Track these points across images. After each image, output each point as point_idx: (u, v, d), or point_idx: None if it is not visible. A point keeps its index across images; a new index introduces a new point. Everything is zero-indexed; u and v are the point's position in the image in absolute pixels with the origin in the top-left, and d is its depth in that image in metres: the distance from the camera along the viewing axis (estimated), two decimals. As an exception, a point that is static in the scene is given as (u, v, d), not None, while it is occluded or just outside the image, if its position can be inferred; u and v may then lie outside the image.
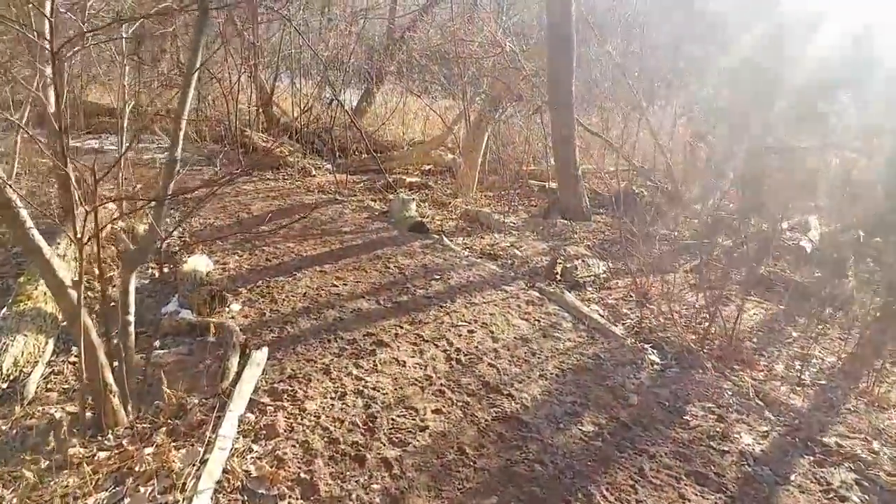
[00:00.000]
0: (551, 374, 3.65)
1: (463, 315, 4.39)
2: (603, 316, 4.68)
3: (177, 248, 5.73)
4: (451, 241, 6.24)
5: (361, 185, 9.07)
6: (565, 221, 7.19)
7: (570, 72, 7.29)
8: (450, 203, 8.03)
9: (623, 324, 4.66)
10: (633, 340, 4.20)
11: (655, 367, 3.86)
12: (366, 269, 5.26)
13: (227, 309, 4.41)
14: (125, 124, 6.90)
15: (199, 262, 5.00)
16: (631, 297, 5.32)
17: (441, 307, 4.51)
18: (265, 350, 3.77)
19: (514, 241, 6.48)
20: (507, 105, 8.30)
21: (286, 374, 3.56)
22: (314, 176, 9.30)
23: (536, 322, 4.34)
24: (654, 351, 4.08)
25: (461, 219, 7.37)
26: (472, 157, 8.61)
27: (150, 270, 5.12)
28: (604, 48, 8.54)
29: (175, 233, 6.18)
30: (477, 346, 3.92)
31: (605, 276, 5.56)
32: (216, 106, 10.70)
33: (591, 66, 9.69)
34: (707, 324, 4.51)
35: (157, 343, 3.99)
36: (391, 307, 4.51)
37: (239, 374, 3.52)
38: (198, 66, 3.20)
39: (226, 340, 3.81)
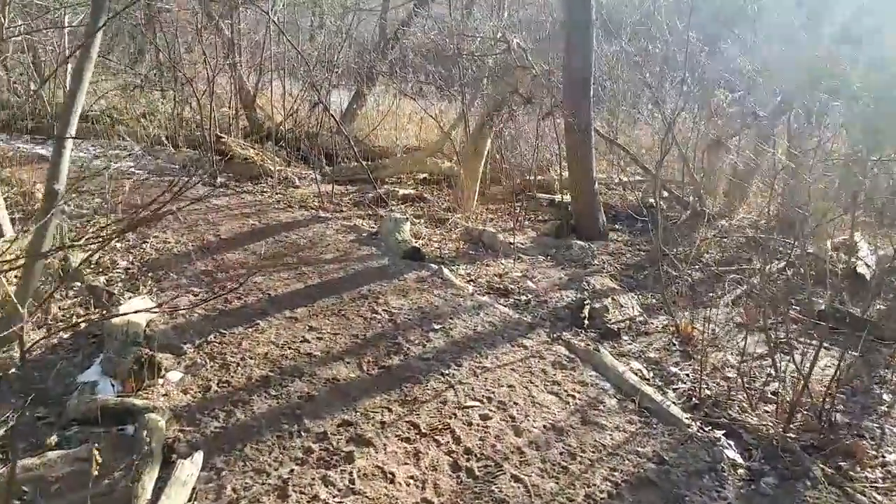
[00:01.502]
0: (601, 492, 2.49)
1: (472, 388, 3.22)
2: (649, 380, 3.53)
3: (119, 283, 4.54)
4: (453, 270, 5.07)
5: (349, 197, 7.88)
6: (581, 243, 6.03)
7: (588, 72, 6.13)
8: (448, 219, 6.85)
9: (674, 389, 3.52)
10: (699, 425, 3.04)
11: (740, 471, 2.71)
12: (348, 314, 4.08)
13: (161, 380, 3.23)
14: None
15: (136, 310, 3.81)
16: (674, 345, 4.18)
17: (442, 375, 3.34)
18: (198, 457, 2.59)
19: (526, 269, 5.32)
20: (513, 108, 7.13)
21: (225, 499, 2.40)
22: (297, 187, 8.11)
23: (570, 399, 3.17)
24: (731, 443, 2.92)
25: (462, 239, 6.20)
26: (473, 165, 7.44)
27: (72, 317, 3.94)
28: (619, 44, 7.38)
29: (123, 262, 4.99)
30: (494, 445, 2.75)
31: (640, 318, 4.42)
32: (194, 109, 9.45)
33: (598, 63, 8.55)
34: (785, 393, 3.39)
35: (53, 438, 2.81)
36: (377, 375, 3.34)
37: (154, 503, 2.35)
38: (99, 27, 2.03)
39: (143, 444, 2.64)
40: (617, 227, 7.18)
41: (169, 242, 5.52)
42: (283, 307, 4.17)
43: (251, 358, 3.47)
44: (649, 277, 5.59)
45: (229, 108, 9.76)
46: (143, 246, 5.37)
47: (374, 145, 10.04)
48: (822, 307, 4.86)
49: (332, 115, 7.52)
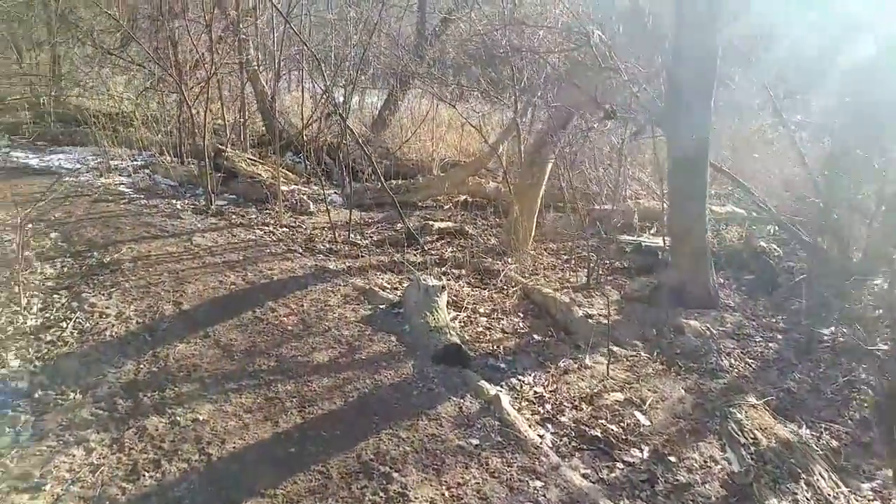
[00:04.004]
0: None
1: None
2: None
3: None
4: (516, 393, 2.99)
5: (374, 229, 5.86)
6: (696, 325, 3.88)
7: (710, 74, 3.92)
8: (498, 269, 4.77)
9: None
10: None
11: None
12: (332, 525, 2.05)
13: None
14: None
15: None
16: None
17: None
18: None
19: (626, 379, 3.19)
20: (589, 123, 4.96)
21: None
22: (311, 213, 6.12)
23: None
24: None
25: (520, 309, 4.11)
26: (530, 197, 5.31)
27: None
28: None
29: (15, 360, 3.06)
30: None
31: (865, 527, 2.26)
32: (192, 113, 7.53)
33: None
34: None
35: None
36: None
37: None
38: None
39: None
40: (721, 280, 4.97)
41: (107, 315, 3.57)
42: (220, 496, 2.16)
43: None
44: (804, 384, 3.43)
45: (240, 113, 7.80)
46: (65, 324, 3.45)
47: (406, 158, 8.00)
48: None
49: (350, 129, 5.48)
